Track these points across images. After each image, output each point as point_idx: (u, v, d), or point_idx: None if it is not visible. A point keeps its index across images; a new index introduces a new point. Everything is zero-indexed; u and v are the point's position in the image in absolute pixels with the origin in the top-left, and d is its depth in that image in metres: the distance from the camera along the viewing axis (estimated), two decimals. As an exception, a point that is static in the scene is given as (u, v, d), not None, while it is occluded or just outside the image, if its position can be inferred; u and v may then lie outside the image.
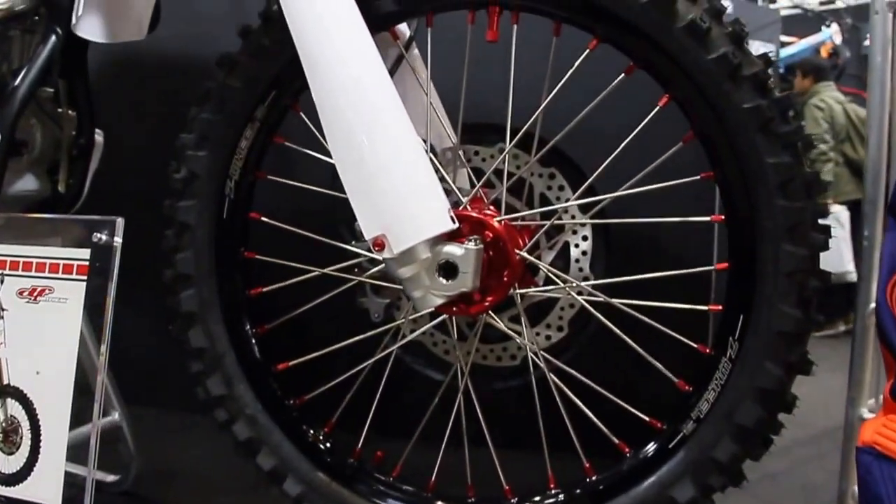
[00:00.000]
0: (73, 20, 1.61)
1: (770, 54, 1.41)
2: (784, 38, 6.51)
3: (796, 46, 7.11)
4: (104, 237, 1.39)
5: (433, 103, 1.60)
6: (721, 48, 1.32)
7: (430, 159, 1.38)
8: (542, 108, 1.48)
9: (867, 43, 7.64)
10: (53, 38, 1.67)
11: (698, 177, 1.45)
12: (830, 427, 2.75)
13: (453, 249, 1.36)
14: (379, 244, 1.31)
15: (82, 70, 1.80)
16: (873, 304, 1.98)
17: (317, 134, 1.43)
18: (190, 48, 2.35)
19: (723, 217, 1.43)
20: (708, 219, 1.47)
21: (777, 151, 1.32)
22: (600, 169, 1.47)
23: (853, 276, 4.93)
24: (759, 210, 1.34)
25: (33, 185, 1.82)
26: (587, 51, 1.43)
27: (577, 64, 1.43)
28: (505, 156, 1.49)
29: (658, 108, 1.42)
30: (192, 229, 1.60)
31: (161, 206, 1.65)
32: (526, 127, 1.48)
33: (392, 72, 1.63)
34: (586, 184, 1.49)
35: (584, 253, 1.72)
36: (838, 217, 5.26)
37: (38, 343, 1.42)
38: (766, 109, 1.31)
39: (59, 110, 1.82)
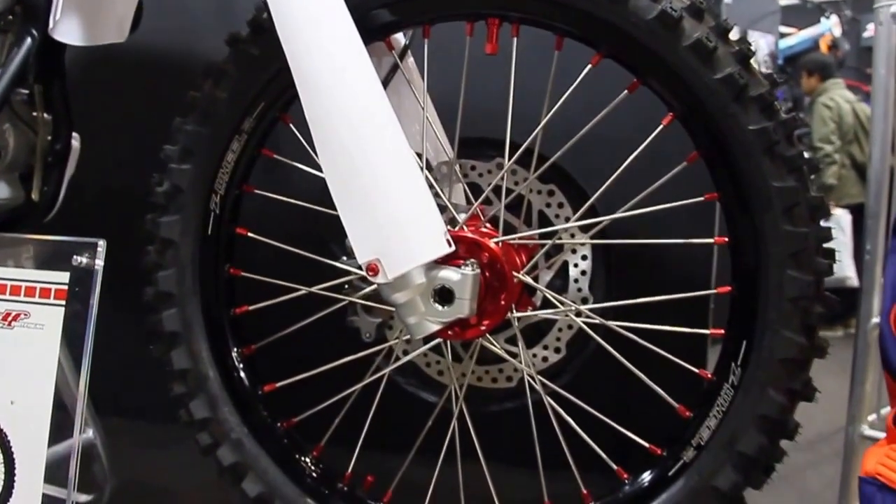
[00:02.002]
0: (51, 24, 1.61)
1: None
2: (783, 29, 6.59)
3: (795, 38, 7.20)
4: (84, 260, 1.39)
5: (429, 117, 1.62)
6: (727, 68, 1.35)
7: (426, 175, 1.40)
8: (542, 124, 1.50)
9: (866, 34, 7.75)
10: (29, 40, 1.65)
11: (702, 198, 1.48)
12: (827, 432, 2.82)
13: (449, 275, 1.38)
14: (373, 269, 1.33)
15: (59, 72, 1.79)
16: (875, 320, 2.04)
17: (307, 147, 1.45)
18: (175, 46, 2.35)
19: (726, 240, 1.47)
20: (711, 241, 1.50)
21: (783, 175, 1.36)
22: (601, 190, 1.50)
23: (853, 282, 5.00)
24: (764, 234, 1.38)
25: (5, 193, 1.80)
26: (589, 66, 1.46)
27: (578, 80, 1.46)
28: (504, 173, 1.52)
29: (661, 126, 1.45)
30: (176, 246, 1.61)
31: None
32: (526, 144, 1.51)
33: (386, 81, 1.65)
34: (587, 204, 1.52)
35: (583, 273, 1.75)
36: (840, 221, 5.31)
37: (12, 371, 1.41)
38: (773, 132, 1.35)
39: (34, 114, 1.81)
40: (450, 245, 1.36)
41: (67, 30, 1.64)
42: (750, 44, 1.42)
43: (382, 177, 1.33)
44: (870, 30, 7.50)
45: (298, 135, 1.54)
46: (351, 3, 1.36)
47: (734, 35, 1.40)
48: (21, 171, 1.83)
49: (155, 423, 2.34)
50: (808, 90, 5.91)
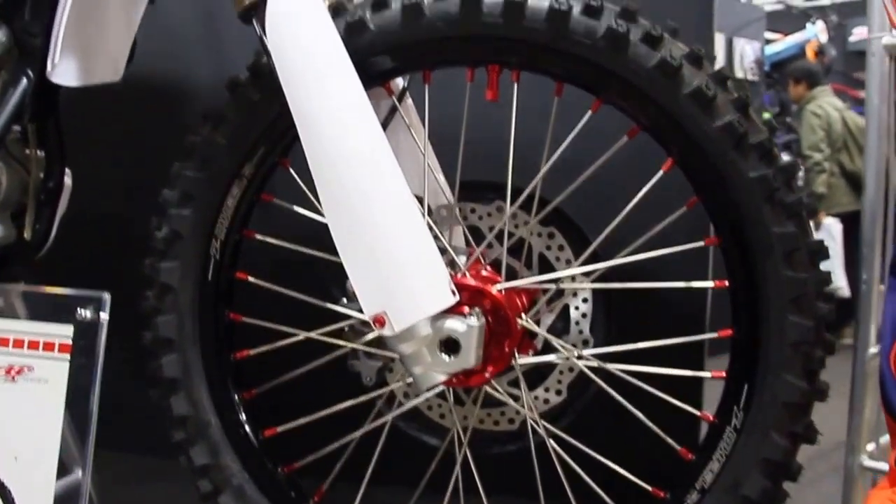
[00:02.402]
0: (49, 67, 1.62)
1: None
2: (769, 35, 6.65)
3: (781, 44, 7.28)
4: (89, 313, 1.40)
5: (429, 162, 1.65)
6: (727, 116, 1.40)
7: (428, 223, 1.43)
8: (544, 170, 1.54)
9: (852, 39, 7.81)
10: (25, 80, 1.65)
11: (702, 243, 1.52)
12: (825, 449, 2.85)
13: (455, 325, 1.42)
14: (379, 321, 1.36)
15: (54, 111, 1.80)
16: (872, 350, 2.08)
17: (306, 191, 1.48)
18: (163, 72, 2.37)
19: (726, 283, 1.51)
20: (711, 284, 1.54)
21: (783, 221, 1.40)
22: (603, 235, 1.54)
23: (845, 292, 5.07)
24: (765, 280, 1.42)
25: (-3, 232, 1.81)
26: (589, 113, 1.50)
27: (579, 127, 1.50)
28: (506, 218, 1.56)
29: (661, 172, 1.49)
30: (175, 292, 1.64)
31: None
32: (529, 190, 1.55)
33: (385, 123, 1.68)
34: (590, 250, 1.56)
35: (583, 315, 1.79)
36: (830, 230, 5.37)
37: (15, 426, 1.42)
38: (772, 179, 1.39)
39: (27, 151, 1.81)
40: (454, 295, 1.39)
41: (64, 71, 1.63)
42: (748, 90, 1.46)
43: (386, 228, 1.36)
44: (856, 34, 7.60)
45: (299, 180, 1.57)
46: (352, 49, 1.40)
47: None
48: (13, 209, 1.84)
49: (144, 456, 2.35)
50: (796, 98, 5.98)
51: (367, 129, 1.37)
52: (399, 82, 1.70)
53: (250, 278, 1.71)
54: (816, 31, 7.35)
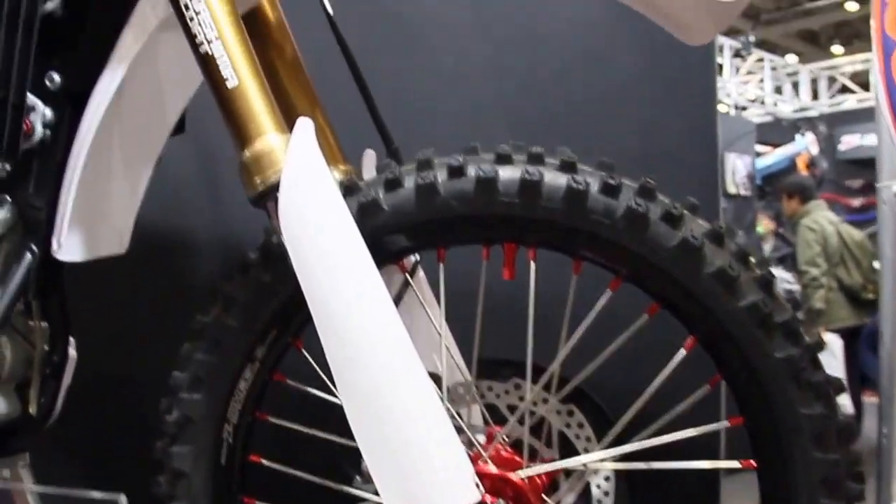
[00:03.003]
0: (55, 245, 1.62)
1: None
2: (758, 148, 6.75)
3: (772, 157, 7.37)
4: None
5: (443, 338, 1.64)
6: (751, 296, 1.40)
7: (447, 408, 1.42)
8: (563, 353, 1.54)
9: (842, 147, 7.95)
10: (29, 256, 1.66)
11: (727, 423, 1.51)
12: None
13: (481, 523, 1.39)
14: None
15: (58, 284, 1.80)
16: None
17: (319, 372, 1.47)
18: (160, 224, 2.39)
19: (754, 464, 1.49)
20: (738, 465, 1.53)
21: (810, 402, 1.40)
22: (626, 417, 1.53)
23: (847, 409, 5.04)
24: (794, 461, 1.41)
25: (1, 408, 1.79)
26: (609, 292, 1.50)
27: (597, 308, 1.50)
28: (528, 401, 1.55)
29: (685, 354, 1.48)
30: (188, 477, 1.60)
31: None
32: (550, 370, 1.54)
33: (398, 299, 1.68)
34: (612, 432, 1.55)
35: (606, 494, 1.78)
36: (831, 347, 5.36)
37: None
38: (799, 359, 1.39)
39: (31, 323, 1.80)
40: (479, 489, 1.36)
41: (70, 248, 1.64)
42: (770, 265, 1.47)
43: (404, 416, 1.32)
44: (844, 143, 7.73)
45: (312, 361, 1.56)
46: (365, 230, 1.38)
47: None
48: (17, 383, 1.82)
49: None
50: (790, 213, 6.03)
51: (380, 312, 1.34)
52: (411, 257, 1.71)
53: (264, 461, 1.69)
54: (807, 144, 7.45)
